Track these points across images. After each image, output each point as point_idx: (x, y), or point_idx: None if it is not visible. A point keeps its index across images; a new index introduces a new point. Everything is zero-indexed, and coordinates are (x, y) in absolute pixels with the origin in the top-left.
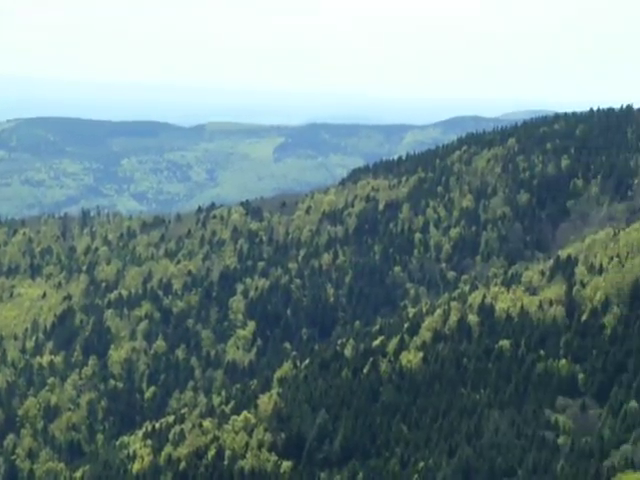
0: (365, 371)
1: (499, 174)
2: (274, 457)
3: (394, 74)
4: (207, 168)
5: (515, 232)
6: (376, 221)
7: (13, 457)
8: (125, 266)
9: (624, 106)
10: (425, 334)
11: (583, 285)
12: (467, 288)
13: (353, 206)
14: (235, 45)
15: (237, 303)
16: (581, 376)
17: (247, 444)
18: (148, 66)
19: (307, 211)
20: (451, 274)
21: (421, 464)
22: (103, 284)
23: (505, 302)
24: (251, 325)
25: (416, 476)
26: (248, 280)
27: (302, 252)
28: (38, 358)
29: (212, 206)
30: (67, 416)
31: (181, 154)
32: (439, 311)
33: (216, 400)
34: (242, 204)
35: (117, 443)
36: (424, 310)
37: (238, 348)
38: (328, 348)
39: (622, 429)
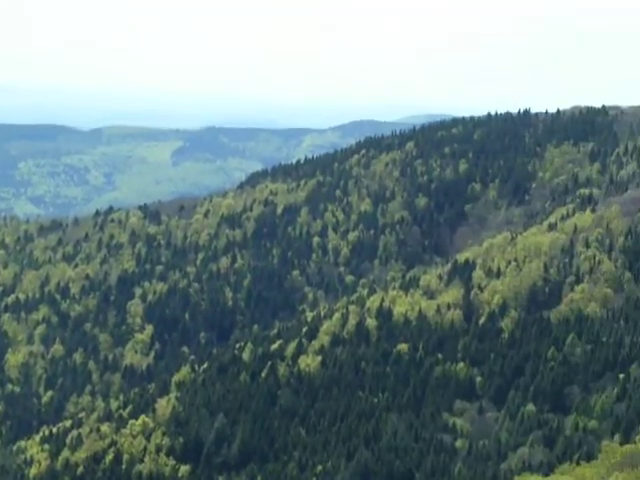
0: (263, 375)
1: (397, 178)
2: (172, 461)
3: (294, 78)
4: (105, 172)
5: (413, 236)
6: (274, 225)
7: None
8: (22, 270)
9: (522, 111)
10: (323, 338)
11: (481, 289)
12: (365, 292)
13: (252, 210)
14: (136, 49)
15: (135, 307)
16: (479, 379)
17: (145, 448)
18: (47, 70)
19: (205, 215)
20: (349, 278)
21: (319, 467)
22: (0, 288)
23: (403, 306)
24: (149, 329)
25: (314, 479)
26: (146, 284)
27: (200, 256)
28: None
29: (110, 210)
30: None
31: (79, 157)
32: (337, 315)
33: (114, 404)
34: (140, 208)
35: (14, 448)
36: (322, 314)
37: (136, 352)
38: (226, 352)
39: (519, 432)
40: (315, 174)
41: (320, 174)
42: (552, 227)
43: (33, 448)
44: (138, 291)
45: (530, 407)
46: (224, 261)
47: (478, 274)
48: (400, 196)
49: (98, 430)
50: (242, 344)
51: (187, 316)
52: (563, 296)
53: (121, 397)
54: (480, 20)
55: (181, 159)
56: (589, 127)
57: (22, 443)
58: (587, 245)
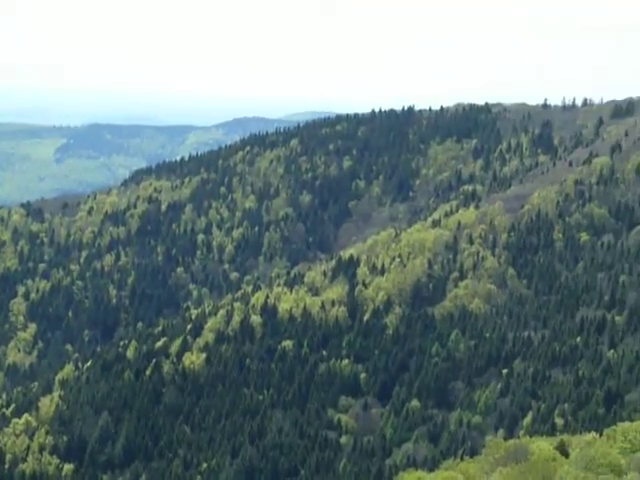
0: (148, 373)
1: (282, 175)
2: (56, 460)
3: (177, 75)
4: None
5: (298, 233)
6: (159, 222)
7: None
8: None
9: (405, 108)
10: (208, 335)
11: (365, 285)
12: (250, 289)
13: (136, 207)
14: (21, 44)
15: (18, 305)
16: (363, 376)
17: (28, 447)
18: None
19: (89, 212)
20: (234, 275)
21: (204, 465)
22: None
23: (288, 302)
24: (32, 327)
25: (199, 477)
26: (29, 282)
27: (84, 253)
28: None
29: None
30: None
31: None
32: (222, 312)
33: None
34: (23, 205)
35: None
36: (207, 311)
37: (19, 350)
38: (110, 350)
39: (404, 428)
40: (199, 171)
41: (204, 171)
42: (436, 223)
43: None
44: (21, 289)
45: (415, 403)
46: (108, 259)
47: (362, 271)
48: (284, 193)
49: None
50: (126, 342)
51: (71, 314)
52: (447, 292)
53: (4, 396)
54: (357, 16)
55: (65, 156)
56: (472, 124)
57: None
58: (471, 241)
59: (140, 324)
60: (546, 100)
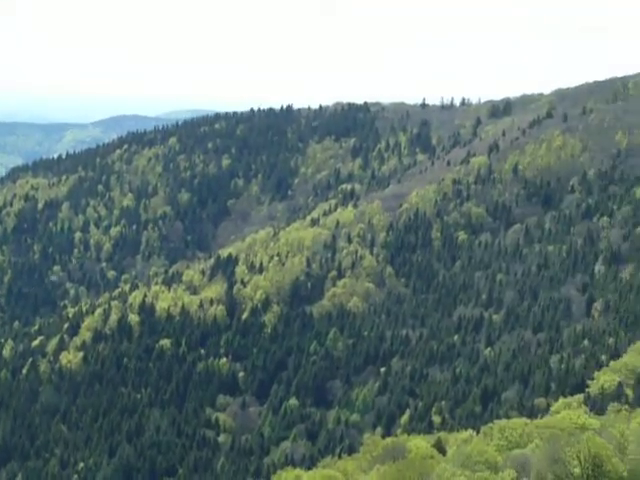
0: (24, 372)
1: (160, 173)
2: None
3: (55, 72)
4: None
5: (176, 231)
6: (35, 220)
7: None
8: None
9: (284, 106)
10: (85, 334)
11: (244, 284)
12: (128, 287)
13: (12, 205)
14: None
15: None
16: (241, 374)
17: None
18: None
19: None
20: (112, 273)
21: (81, 464)
22: None
23: (166, 301)
24: None
25: (76, 477)
26: None
27: None
28: None
29: None
30: None
31: None
32: (99, 311)
33: None
34: None
35: None
36: (84, 310)
37: None
38: None
39: (282, 426)
40: (77, 169)
41: (82, 169)
42: (315, 222)
43: None
44: None
45: (293, 401)
46: None
47: (241, 269)
48: (163, 191)
49: None
50: (2, 341)
51: None
52: (325, 291)
53: None
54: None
55: None
56: (351, 123)
57: None
58: (349, 240)
59: (17, 323)
60: (424, 99)
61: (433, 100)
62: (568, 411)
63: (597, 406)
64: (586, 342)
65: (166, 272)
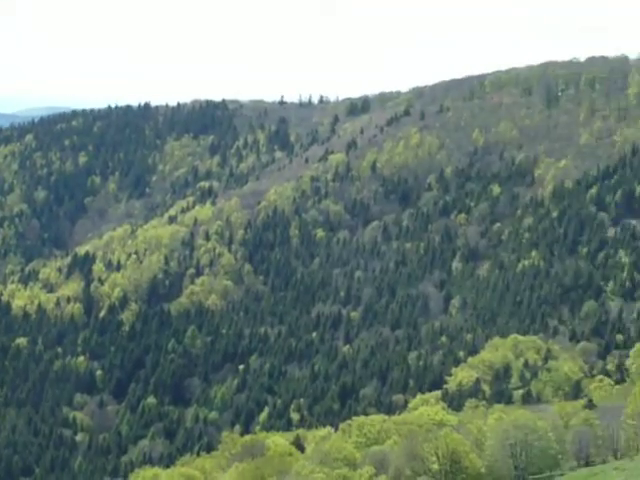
0: None
1: (16, 171)
2: None
3: None
4: None
5: (32, 229)
6: None
7: None
8: None
9: (142, 104)
10: None
11: (101, 282)
12: None
13: None
14: None
15: None
16: (99, 373)
17: None
18: None
19: None
20: None
21: None
22: None
23: (22, 299)
24: None
25: None
26: None
27: None
28: None
29: None
30: None
31: None
32: None
33: None
34: None
35: None
36: None
37: None
38: None
39: (140, 425)
40: None
41: None
42: (172, 220)
43: None
44: None
45: (151, 400)
46: None
47: (98, 267)
48: (19, 189)
49: None
50: None
51: None
52: (183, 288)
53: None
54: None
55: None
56: (209, 120)
57: None
58: (207, 238)
59: None
60: (282, 97)
61: (292, 98)
62: (426, 407)
63: (455, 402)
64: (444, 339)
65: (22, 270)
